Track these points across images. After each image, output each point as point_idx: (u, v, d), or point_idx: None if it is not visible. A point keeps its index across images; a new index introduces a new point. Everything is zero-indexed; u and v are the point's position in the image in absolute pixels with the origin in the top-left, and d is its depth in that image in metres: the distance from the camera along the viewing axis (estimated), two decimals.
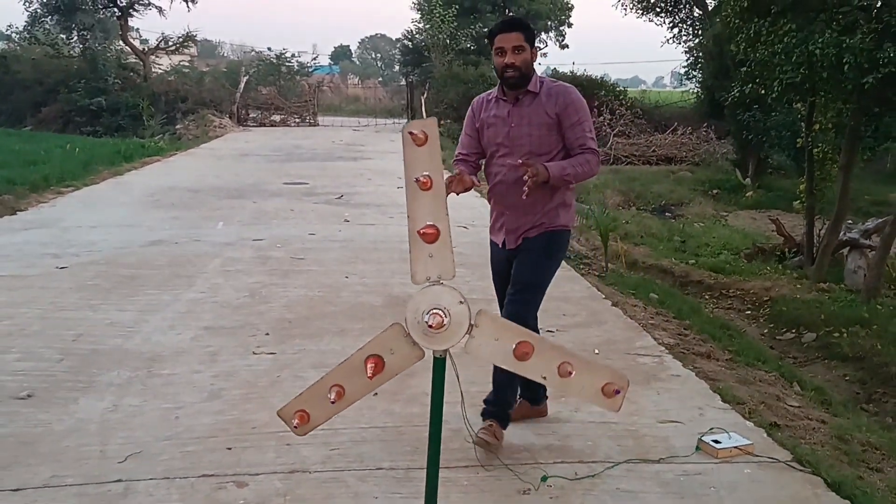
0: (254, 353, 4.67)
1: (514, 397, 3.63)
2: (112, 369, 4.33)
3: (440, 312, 2.50)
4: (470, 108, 3.55)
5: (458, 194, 3.22)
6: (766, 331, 7.03)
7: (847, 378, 5.89)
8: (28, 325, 5.04)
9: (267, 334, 5.03)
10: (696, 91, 24.62)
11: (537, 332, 3.51)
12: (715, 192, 15.65)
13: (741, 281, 8.26)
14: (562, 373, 2.51)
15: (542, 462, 3.41)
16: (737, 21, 7.86)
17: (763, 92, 8.00)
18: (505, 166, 3.37)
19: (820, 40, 6.70)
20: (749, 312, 7.56)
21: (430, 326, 2.45)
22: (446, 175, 3.03)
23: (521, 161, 3.13)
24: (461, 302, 2.53)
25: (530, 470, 3.32)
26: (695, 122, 22.29)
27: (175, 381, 4.20)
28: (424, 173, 2.50)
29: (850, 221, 9.17)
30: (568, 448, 3.58)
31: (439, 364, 2.71)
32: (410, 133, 2.50)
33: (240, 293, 5.96)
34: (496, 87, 3.47)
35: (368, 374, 2.53)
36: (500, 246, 3.55)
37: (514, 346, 2.53)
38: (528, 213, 3.38)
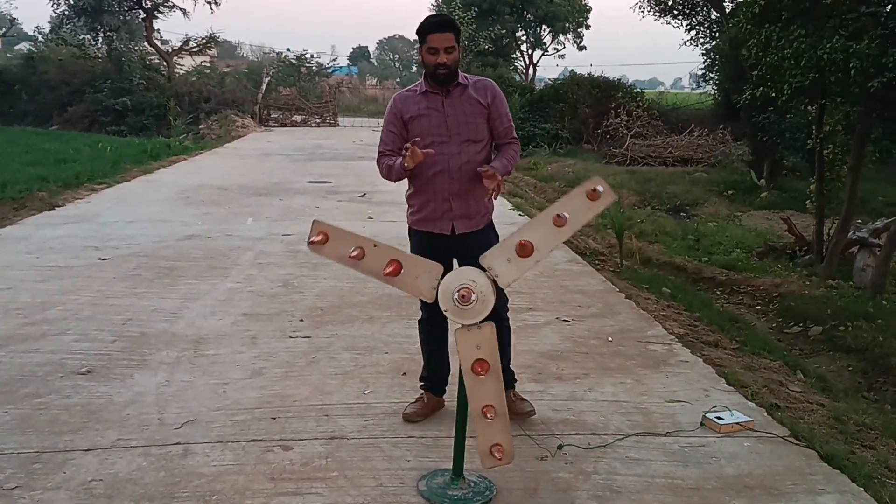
0: (290, 337, 5.02)
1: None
2: (161, 349, 4.71)
3: (469, 288, 2.84)
4: (392, 104, 3.64)
5: (409, 168, 3.37)
6: (774, 325, 7.30)
7: (850, 368, 6.15)
8: (80, 311, 5.43)
9: (301, 320, 5.38)
10: (712, 93, 24.79)
11: (506, 316, 3.82)
12: (730, 192, 15.85)
13: (752, 278, 8.52)
14: (484, 412, 2.87)
15: (558, 433, 3.73)
16: (749, 26, 8.14)
17: (773, 95, 8.27)
18: (445, 155, 3.50)
19: (828, 45, 6.96)
20: (758, 308, 7.83)
21: (462, 297, 2.80)
22: None
23: (485, 169, 3.36)
24: (491, 299, 2.87)
25: (547, 439, 3.64)
26: (711, 123, 22.43)
27: (220, 361, 4.56)
28: (566, 215, 2.84)
29: (859, 221, 9.41)
30: (582, 422, 3.89)
31: None
32: (595, 189, 2.88)
33: (273, 283, 6.33)
34: (419, 82, 3.63)
35: (385, 270, 2.90)
36: (449, 233, 3.61)
37: (476, 359, 2.87)
38: (474, 197, 3.57)
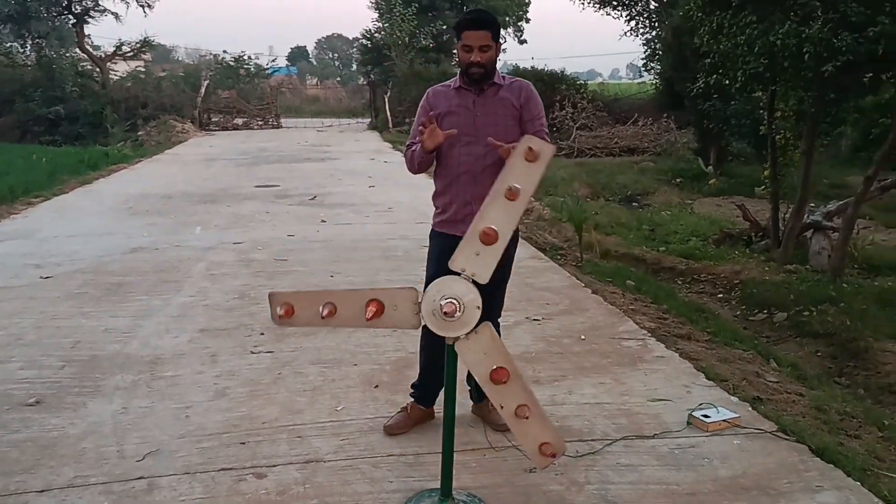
0: (252, 353, 4.77)
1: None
2: (115, 373, 4.41)
3: (455, 302, 2.65)
4: (425, 98, 3.51)
5: (428, 151, 3.26)
6: (738, 312, 7.27)
7: (819, 354, 6.14)
8: (24, 335, 5.08)
9: (262, 334, 5.13)
10: (654, 82, 25.07)
11: (498, 322, 3.67)
12: (678, 180, 15.94)
13: (711, 266, 8.50)
14: (518, 413, 2.67)
15: None
16: (699, 14, 8.11)
17: (727, 82, 8.27)
18: (472, 155, 3.36)
19: (780, 31, 6.95)
20: (721, 296, 7.80)
21: (446, 313, 2.61)
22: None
23: (504, 145, 3.14)
24: (477, 306, 2.68)
25: None
26: (654, 112, 22.66)
27: (180, 382, 4.29)
28: (516, 185, 2.63)
29: (811, 205, 9.48)
30: (567, 428, 3.75)
31: (452, 351, 2.87)
32: (529, 147, 2.65)
33: (228, 295, 6.05)
34: (454, 78, 3.49)
35: (367, 316, 2.66)
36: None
37: (494, 367, 2.67)
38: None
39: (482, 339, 2.69)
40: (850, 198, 9.02)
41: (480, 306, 2.70)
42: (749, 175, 15.48)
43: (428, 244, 3.66)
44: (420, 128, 3.29)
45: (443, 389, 3.68)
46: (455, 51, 3.46)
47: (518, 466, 3.35)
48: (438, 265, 3.44)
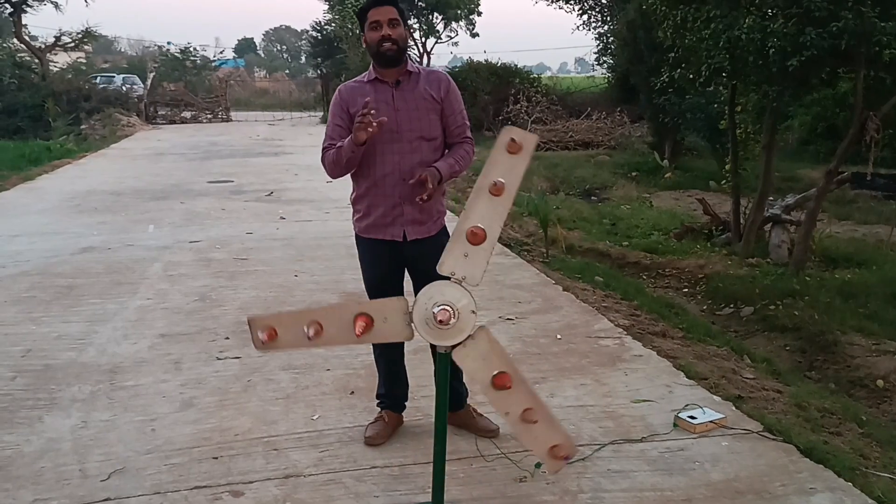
0: (218, 359, 4.55)
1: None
2: (72, 384, 4.15)
3: (449, 309, 2.50)
4: (337, 95, 3.27)
5: (360, 143, 2.99)
6: (705, 307, 7.27)
7: (787, 348, 6.15)
8: None
9: (227, 338, 4.90)
10: (605, 76, 25.21)
11: None
12: (635, 174, 16.05)
13: (675, 260, 8.51)
14: (524, 418, 2.51)
15: (532, 449, 3.45)
16: (663, 8, 8.07)
17: (691, 77, 8.26)
18: (396, 153, 3.17)
19: (745, 26, 6.95)
20: (686, 290, 7.80)
21: (440, 321, 2.45)
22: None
23: (417, 175, 3.07)
24: (472, 310, 2.52)
25: (522, 458, 3.35)
26: (607, 106, 22.81)
27: (142, 393, 4.05)
28: (500, 179, 2.47)
29: (771, 199, 9.56)
30: None
31: (444, 359, 2.72)
32: (511, 138, 2.48)
33: (189, 298, 5.80)
34: (366, 72, 3.29)
35: (357, 332, 2.47)
36: (401, 240, 3.25)
37: (495, 373, 2.51)
38: (426, 202, 3.16)
39: (479, 344, 2.53)
40: (803, 190, 9.13)
41: (476, 310, 2.55)
42: (704, 169, 15.66)
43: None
44: (342, 123, 3.11)
45: (420, 397, 3.60)
46: (364, 41, 3.22)
47: (509, 476, 3.21)
48: (374, 268, 3.36)
